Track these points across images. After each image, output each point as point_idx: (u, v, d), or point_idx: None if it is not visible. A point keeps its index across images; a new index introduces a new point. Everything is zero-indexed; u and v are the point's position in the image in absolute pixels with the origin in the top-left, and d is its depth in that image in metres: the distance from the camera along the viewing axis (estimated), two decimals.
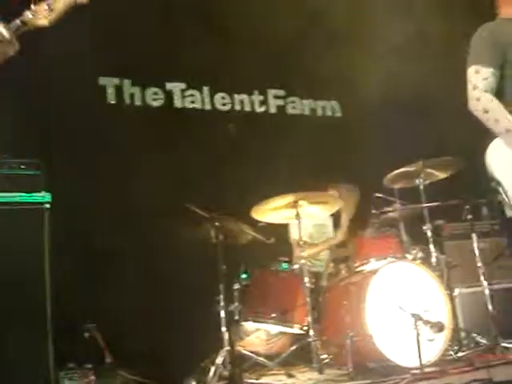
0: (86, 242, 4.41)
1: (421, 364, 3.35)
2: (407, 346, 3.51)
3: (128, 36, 5.02)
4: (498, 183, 2.80)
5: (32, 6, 2.52)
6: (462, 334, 4.14)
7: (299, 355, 4.13)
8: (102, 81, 5.20)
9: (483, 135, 2.88)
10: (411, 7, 5.20)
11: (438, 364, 3.57)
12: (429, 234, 4.27)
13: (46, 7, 2.52)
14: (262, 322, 4.26)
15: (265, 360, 4.11)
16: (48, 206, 3.71)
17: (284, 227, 4.92)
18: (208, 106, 5.63)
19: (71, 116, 4.72)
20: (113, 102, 5.21)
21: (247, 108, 5.80)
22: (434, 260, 4.22)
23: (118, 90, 5.26)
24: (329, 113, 6.14)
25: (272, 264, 4.47)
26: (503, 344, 3.81)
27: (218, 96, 5.68)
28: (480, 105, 2.86)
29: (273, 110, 5.91)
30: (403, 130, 5.52)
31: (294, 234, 4.90)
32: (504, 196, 2.78)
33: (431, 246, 4.24)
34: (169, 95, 5.48)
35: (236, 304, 4.27)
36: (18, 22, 2.53)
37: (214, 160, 5.04)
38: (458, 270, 4.51)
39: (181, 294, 4.49)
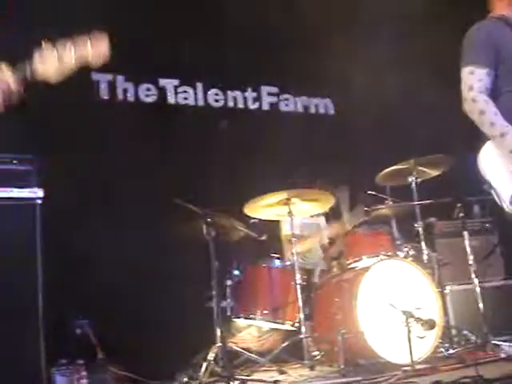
0: (77, 238, 4.39)
1: (412, 361, 3.38)
2: (398, 343, 3.52)
3: (121, 31, 4.99)
4: (491, 186, 2.80)
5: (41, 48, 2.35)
6: (453, 332, 4.16)
7: (291, 352, 4.13)
8: (95, 76, 5.18)
9: (475, 132, 2.87)
10: (405, 6, 5.20)
11: (428, 361, 3.59)
12: (420, 231, 4.29)
13: (56, 56, 2.33)
14: (254, 319, 4.27)
15: (256, 356, 4.12)
16: (40, 201, 3.70)
17: (276, 224, 4.93)
18: (201, 103, 5.62)
19: (63, 111, 4.68)
20: (106, 98, 5.19)
21: (240, 105, 5.80)
22: (425, 257, 4.25)
23: (111, 85, 5.23)
24: (322, 110, 6.14)
25: (264, 260, 4.48)
26: (494, 341, 3.83)
27: (211, 92, 5.68)
28: (476, 106, 2.78)
29: (266, 107, 5.91)
30: (396, 127, 5.54)
31: (285, 231, 4.91)
32: (496, 198, 2.79)
33: (423, 244, 4.27)
34: (162, 91, 5.47)
35: (228, 300, 4.28)
36: (27, 71, 2.36)
37: (207, 156, 5.04)
38: (449, 268, 4.53)
39: (173, 291, 4.49)
